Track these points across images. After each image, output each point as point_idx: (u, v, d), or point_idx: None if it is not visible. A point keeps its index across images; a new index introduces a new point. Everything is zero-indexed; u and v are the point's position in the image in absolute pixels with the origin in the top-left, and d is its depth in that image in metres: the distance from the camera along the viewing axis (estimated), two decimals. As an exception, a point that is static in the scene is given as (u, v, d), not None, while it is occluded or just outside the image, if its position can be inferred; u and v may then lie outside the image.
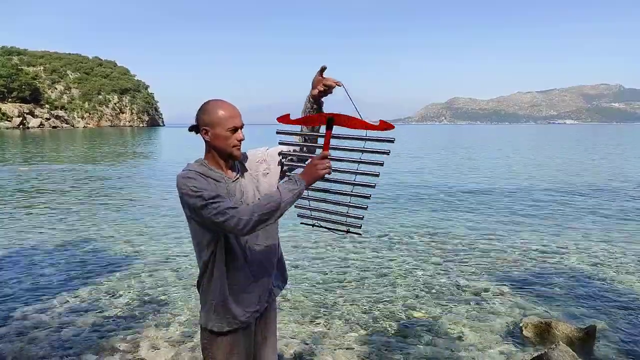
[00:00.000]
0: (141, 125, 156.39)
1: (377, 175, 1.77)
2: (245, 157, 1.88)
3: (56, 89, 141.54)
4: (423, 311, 4.41)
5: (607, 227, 8.00)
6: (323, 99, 1.86)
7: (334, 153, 1.79)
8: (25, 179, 14.74)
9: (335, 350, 3.65)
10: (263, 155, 1.92)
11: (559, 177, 15.36)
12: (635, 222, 8.39)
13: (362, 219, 1.85)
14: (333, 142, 1.78)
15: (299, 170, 1.88)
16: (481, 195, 11.61)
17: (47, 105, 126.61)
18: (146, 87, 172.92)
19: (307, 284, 5.13)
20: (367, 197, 1.81)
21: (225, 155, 1.76)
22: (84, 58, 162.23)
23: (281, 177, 1.95)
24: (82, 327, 4.06)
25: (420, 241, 7.06)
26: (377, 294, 4.86)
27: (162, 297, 4.74)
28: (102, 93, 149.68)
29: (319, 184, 1.82)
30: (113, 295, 4.81)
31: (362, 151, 1.75)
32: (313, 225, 1.96)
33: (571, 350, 3.22)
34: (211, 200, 1.62)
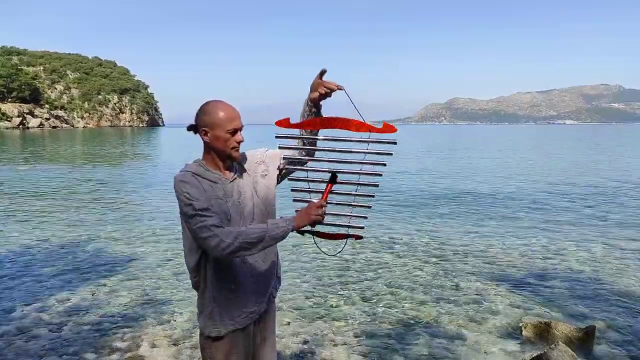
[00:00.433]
0: (141, 125, 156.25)
1: (380, 175, 1.79)
2: (244, 157, 1.88)
3: (56, 89, 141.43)
4: (423, 311, 4.41)
5: (606, 227, 8.01)
6: (322, 102, 1.86)
7: (336, 155, 1.82)
8: (26, 179, 14.74)
9: (335, 350, 3.66)
10: (262, 156, 1.92)
11: (559, 178, 15.36)
12: (635, 222, 8.40)
13: (365, 219, 1.86)
14: (335, 144, 1.81)
15: (297, 174, 1.90)
16: (481, 195, 11.61)
17: (46, 105, 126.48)
18: (146, 87, 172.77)
19: (307, 284, 5.13)
20: (372, 196, 1.83)
21: (224, 156, 1.76)
22: (84, 58, 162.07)
23: (279, 180, 1.96)
24: (82, 326, 4.07)
25: (420, 241, 7.06)
26: (377, 294, 4.86)
27: (162, 297, 4.74)
28: (102, 93, 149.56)
29: (323, 186, 1.84)
30: (113, 295, 4.81)
31: (365, 153, 1.77)
32: (311, 233, 1.90)
33: (570, 350, 3.23)
34: (200, 212, 1.63)
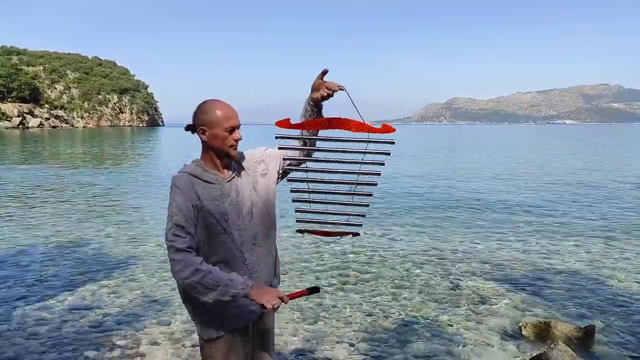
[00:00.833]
0: (141, 125, 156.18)
1: (379, 174, 1.81)
2: (242, 156, 1.88)
3: (56, 88, 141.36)
4: (422, 311, 4.42)
5: (606, 227, 8.01)
6: (322, 103, 1.86)
7: (334, 155, 1.82)
8: (26, 179, 14.74)
9: (334, 350, 3.66)
10: (261, 155, 1.92)
11: (559, 177, 15.36)
12: (635, 222, 8.40)
13: (364, 216, 1.88)
14: (335, 144, 1.82)
15: (297, 174, 1.91)
16: (480, 195, 11.61)
17: (46, 105, 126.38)
18: (146, 87, 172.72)
19: (306, 284, 5.13)
20: (370, 195, 1.84)
21: (222, 155, 1.77)
22: (84, 58, 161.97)
23: (278, 179, 1.96)
24: (82, 324, 4.07)
25: (420, 241, 7.06)
26: (377, 294, 4.86)
27: (162, 296, 4.74)
28: (102, 93, 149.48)
29: (322, 186, 1.85)
30: (114, 294, 4.82)
31: (364, 152, 1.79)
32: (310, 232, 1.92)
33: (570, 350, 3.23)
34: (175, 230, 1.65)
